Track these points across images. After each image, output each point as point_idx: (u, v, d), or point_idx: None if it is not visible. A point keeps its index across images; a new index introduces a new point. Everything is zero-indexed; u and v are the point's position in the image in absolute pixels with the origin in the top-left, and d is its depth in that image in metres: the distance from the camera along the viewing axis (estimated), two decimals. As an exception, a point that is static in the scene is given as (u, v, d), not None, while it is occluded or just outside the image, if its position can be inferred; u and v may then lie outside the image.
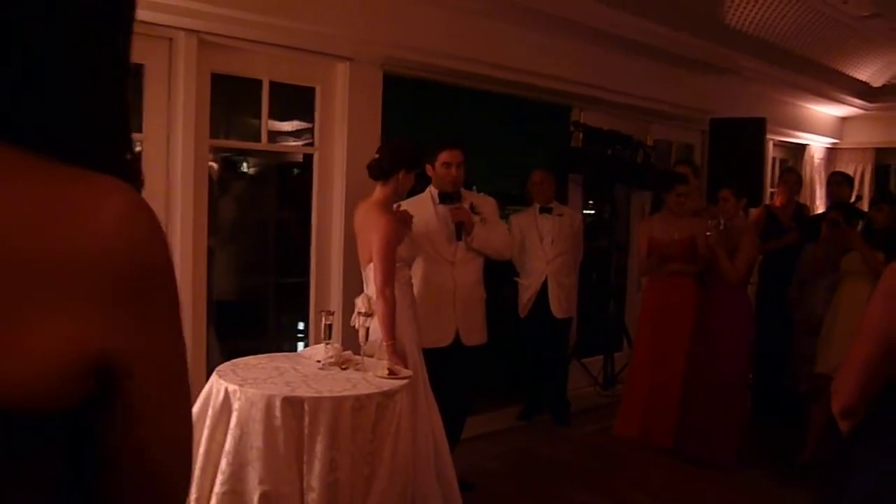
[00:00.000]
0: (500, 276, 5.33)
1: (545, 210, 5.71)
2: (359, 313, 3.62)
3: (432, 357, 4.17)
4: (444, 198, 4.33)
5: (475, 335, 4.39)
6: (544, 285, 5.65)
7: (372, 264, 3.73)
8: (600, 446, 5.50)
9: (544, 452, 5.32)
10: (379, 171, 3.83)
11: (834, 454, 1.98)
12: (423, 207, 4.35)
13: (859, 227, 5.27)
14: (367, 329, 3.53)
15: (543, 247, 5.66)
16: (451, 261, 4.31)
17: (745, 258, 5.11)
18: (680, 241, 5.31)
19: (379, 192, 3.85)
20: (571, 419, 5.93)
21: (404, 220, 4.00)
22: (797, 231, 6.12)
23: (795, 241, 6.00)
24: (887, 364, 1.73)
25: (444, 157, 4.29)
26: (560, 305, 5.68)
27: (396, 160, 3.81)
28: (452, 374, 4.26)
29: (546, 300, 5.66)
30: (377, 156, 3.89)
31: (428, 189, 4.42)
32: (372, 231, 3.72)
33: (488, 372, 5.42)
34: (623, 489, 4.69)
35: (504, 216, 5.41)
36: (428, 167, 4.34)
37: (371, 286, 3.77)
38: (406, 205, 4.43)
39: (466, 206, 4.33)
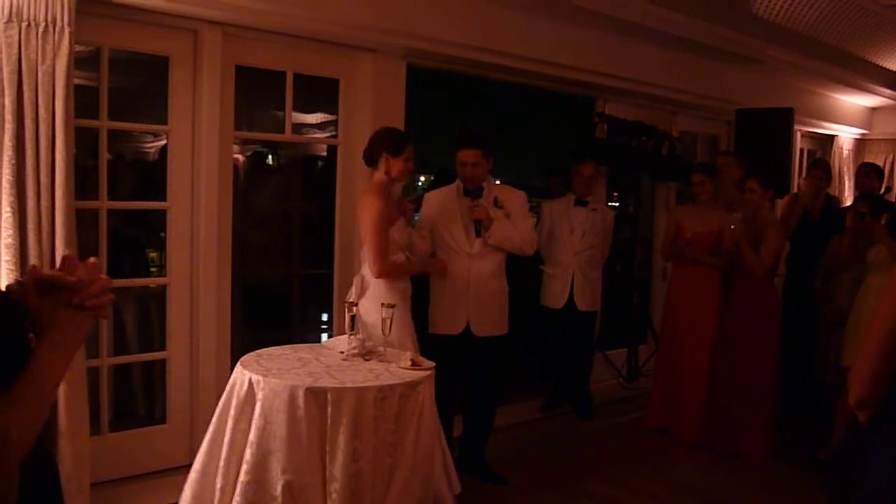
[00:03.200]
0: (524, 266, 5.31)
1: (580, 203, 5.67)
2: (346, 303, 3.77)
3: (443, 344, 4.25)
4: (468, 191, 4.33)
5: (488, 326, 4.38)
6: (572, 277, 5.63)
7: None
8: (623, 439, 5.49)
9: (566, 445, 5.30)
10: (368, 158, 3.98)
11: (853, 449, 1.95)
12: (448, 198, 4.41)
13: (884, 219, 5.19)
14: (353, 317, 3.63)
15: (573, 238, 5.63)
16: (469, 253, 4.32)
17: (770, 250, 5.06)
18: (703, 235, 5.29)
19: (373, 177, 3.99)
20: (595, 412, 5.91)
21: (403, 208, 4.10)
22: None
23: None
24: None
25: (459, 156, 4.30)
26: (584, 299, 5.66)
27: (377, 145, 3.93)
28: (466, 363, 4.32)
29: (571, 293, 5.65)
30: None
31: (456, 180, 4.42)
32: (364, 211, 3.88)
33: (510, 363, 5.40)
34: (646, 482, 4.66)
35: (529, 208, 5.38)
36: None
37: (366, 266, 3.91)
38: (432, 195, 4.55)
39: (491, 200, 4.31)
